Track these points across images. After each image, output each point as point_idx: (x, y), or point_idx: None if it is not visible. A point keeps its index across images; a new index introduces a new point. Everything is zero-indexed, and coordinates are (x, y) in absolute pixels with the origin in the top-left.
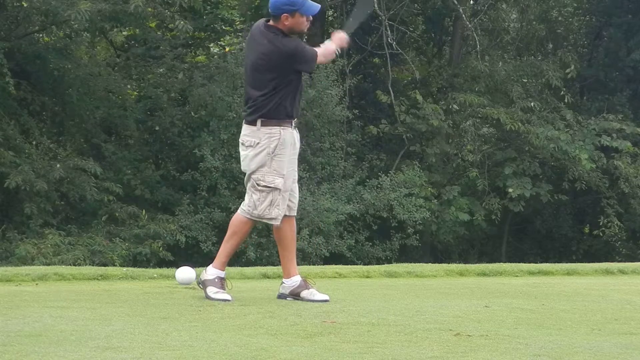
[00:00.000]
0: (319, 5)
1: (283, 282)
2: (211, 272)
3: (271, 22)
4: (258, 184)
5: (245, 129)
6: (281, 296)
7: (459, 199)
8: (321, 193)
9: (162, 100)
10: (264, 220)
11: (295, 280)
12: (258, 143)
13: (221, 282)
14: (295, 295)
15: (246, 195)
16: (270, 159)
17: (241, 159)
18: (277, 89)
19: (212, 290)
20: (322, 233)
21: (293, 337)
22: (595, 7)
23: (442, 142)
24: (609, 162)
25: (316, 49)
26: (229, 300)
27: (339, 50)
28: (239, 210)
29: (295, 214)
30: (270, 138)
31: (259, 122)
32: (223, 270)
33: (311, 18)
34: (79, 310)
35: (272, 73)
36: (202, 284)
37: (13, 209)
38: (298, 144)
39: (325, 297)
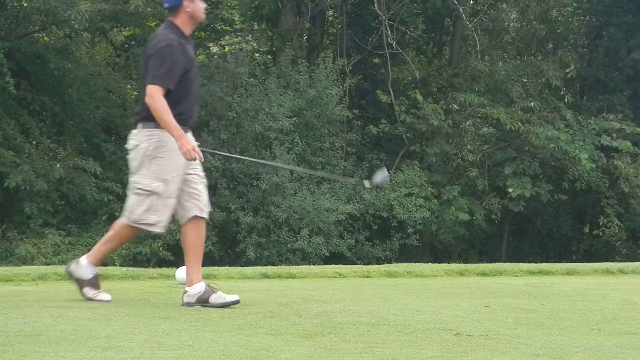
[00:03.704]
0: None
1: (186, 291)
2: (89, 269)
3: (170, 19)
4: (135, 187)
5: (130, 133)
6: (188, 305)
7: (459, 198)
8: (321, 193)
9: None
10: (141, 226)
11: (199, 287)
12: (138, 145)
13: (97, 281)
14: (203, 302)
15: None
16: (149, 162)
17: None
18: None
19: (90, 293)
20: (322, 233)
21: (293, 337)
22: (595, 7)
23: (442, 142)
24: (609, 162)
25: (169, 116)
26: (109, 301)
27: (180, 145)
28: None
29: (205, 216)
30: (150, 140)
31: (140, 125)
32: (97, 267)
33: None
34: (79, 310)
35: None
36: (77, 281)
37: (13, 209)
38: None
39: (236, 297)
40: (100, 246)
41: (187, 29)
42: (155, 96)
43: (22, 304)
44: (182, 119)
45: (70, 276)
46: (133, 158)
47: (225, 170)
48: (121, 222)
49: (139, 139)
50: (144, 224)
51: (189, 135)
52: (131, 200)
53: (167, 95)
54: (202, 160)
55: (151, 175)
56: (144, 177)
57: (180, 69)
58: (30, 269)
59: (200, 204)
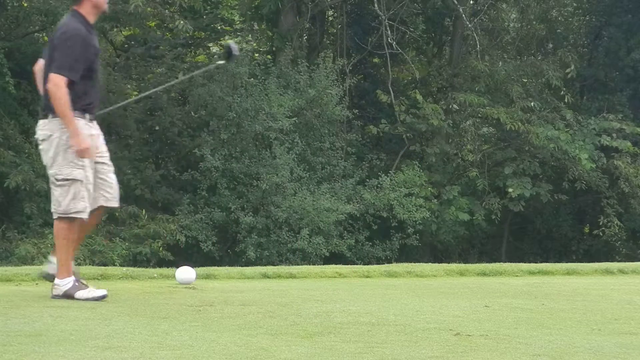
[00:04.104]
0: None
1: (50, 261)
2: (67, 281)
3: (75, 8)
4: (57, 179)
5: (39, 124)
6: (46, 275)
7: (459, 198)
8: (321, 193)
9: (162, 100)
10: (72, 215)
11: (68, 281)
12: (50, 135)
13: (81, 283)
14: (69, 296)
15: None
16: (64, 151)
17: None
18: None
19: (84, 294)
20: (322, 233)
21: (293, 337)
22: (595, 7)
23: (442, 142)
24: (609, 162)
25: (69, 109)
26: (106, 295)
27: (75, 143)
28: (53, 216)
29: (114, 205)
30: (62, 129)
31: (50, 115)
32: (72, 275)
33: None
34: (79, 310)
35: None
36: (66, 295)
37: (13, 209)
38: (96, 136)
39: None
40: (62, 259)
41: (92, 18)
42: (60, 85)
43: (22, 303)
44: (89, 107)
45: (59, 296)
46: (46, 149)
47: (225, 170)
48: (56, 225)
49: (50, 128)
50: (74, 212)
51: (94, 124)
52: (56, 193)
53: (72, 85)
54: (94, 160)
55: (69, 164)
56: (63, 167)
57: (86, 60)
58: (30, 269)
59: (107, 194)
